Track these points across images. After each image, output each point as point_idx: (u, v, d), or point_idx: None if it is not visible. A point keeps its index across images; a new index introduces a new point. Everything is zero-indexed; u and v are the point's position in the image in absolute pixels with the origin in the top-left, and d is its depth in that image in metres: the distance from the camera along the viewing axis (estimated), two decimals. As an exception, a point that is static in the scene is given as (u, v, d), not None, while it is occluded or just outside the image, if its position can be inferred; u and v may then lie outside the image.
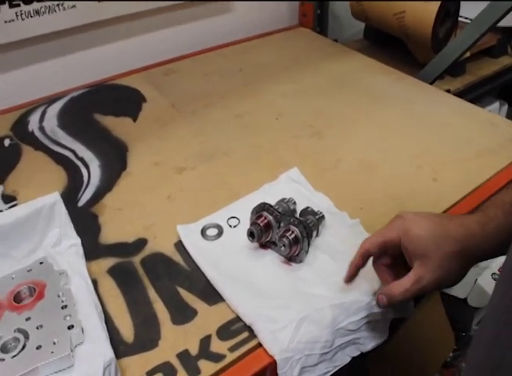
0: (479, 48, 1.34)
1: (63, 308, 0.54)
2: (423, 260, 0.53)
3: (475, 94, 1.31)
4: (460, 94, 1.19)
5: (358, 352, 0.60)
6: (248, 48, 1.27)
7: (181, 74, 1.14)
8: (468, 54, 1.24)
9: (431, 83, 1.13)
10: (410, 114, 0.97)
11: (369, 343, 0.60)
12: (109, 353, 0.50)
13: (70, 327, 0.51)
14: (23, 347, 0.50)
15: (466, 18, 1.32)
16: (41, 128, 0.95)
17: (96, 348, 0.50)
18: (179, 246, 0.68)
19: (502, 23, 1.09)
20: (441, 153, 0.85)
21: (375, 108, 0.99)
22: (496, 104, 1.45)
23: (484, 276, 1.17)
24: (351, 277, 0.58)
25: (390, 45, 1.39)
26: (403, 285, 0.53)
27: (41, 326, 0.52)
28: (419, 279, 0.53)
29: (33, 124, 0.96)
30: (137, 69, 1.18)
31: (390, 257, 0.58)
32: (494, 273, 1.18)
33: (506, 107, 1.47)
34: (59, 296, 0.55)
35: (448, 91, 1.16)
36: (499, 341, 0.38)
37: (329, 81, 1.10)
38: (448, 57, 1.12)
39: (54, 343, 0.50)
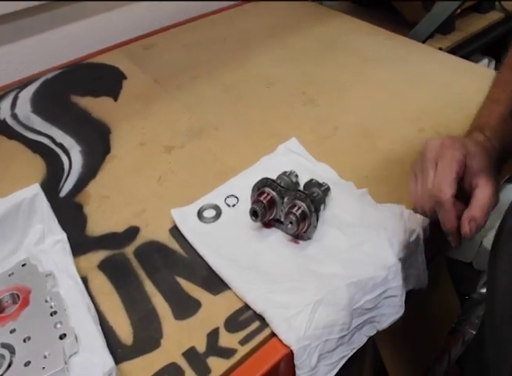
0: (466, 3, 1.31)
1: (52, 314, 0.50)
2: (487, 172, 0.53)
3: (465, 51, 1.30)
4: (451, 52, 1.17)
5: (375, 331, 0.59)
6: (230, 17, 1.23)
7: (161, 47, 1.10)
8: (458, 10, 1.20)
9: (423, 41, 1.10)
10: (405, 75, 0.95)
11: (385, 320, 0.59)
12: (109, 362, 0.46)
13: (62, 337, 0.47)
14: (10, 364, 0.46)
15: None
16: (14, 115, 0.90)
17: (93, 358, 0.46)
18: (175, 232, 0.65)
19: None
20: (442, 114, 0.83)
21: (368, 70, 0.97)
22: (485, 61, 1.45)
23: (489, 238, 1.16)
24: (459, 240, 0.54)
25: (374, 5, 1.36)
26: (483, 204, 0.51)
27: (29, 338, 0.48)
28: (494, 190, 0.52)
29: (4, 111, 0.92)
30: (114, 45, 1.13)
31: None
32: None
33: (494, 64, 1.47)
34: (46, 301, 0.52)
35: (440, 49, 1.14)
36: None
37: (317, 44, 1.07)
38: (440, 14, 1.10)
39: (45, 357, 0.46)
